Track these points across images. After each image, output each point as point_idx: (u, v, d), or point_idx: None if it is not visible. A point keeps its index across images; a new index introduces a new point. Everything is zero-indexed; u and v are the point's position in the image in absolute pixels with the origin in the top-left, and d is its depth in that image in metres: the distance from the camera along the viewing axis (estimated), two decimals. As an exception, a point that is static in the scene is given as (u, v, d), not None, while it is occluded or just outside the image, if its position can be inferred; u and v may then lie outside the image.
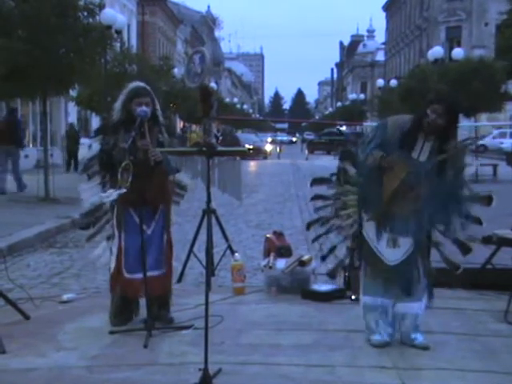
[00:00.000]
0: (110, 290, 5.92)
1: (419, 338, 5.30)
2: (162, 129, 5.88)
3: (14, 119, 18.56)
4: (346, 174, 6.20)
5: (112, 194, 5.46)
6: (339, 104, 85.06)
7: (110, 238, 5.94)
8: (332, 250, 6.73)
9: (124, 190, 5.37)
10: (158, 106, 5.85)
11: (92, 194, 5.96)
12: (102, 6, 16.25)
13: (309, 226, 6.91)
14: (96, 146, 5.86)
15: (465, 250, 5.60)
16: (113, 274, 5.81)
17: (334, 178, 6.44)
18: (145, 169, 5.48)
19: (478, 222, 5.48)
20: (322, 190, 6.61)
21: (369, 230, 5.27)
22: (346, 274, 6.97)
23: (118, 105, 5.78)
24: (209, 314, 4.67)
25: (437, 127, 5.02)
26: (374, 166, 5.15)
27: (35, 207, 14.08)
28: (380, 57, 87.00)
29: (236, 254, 7.38)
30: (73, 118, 32.60)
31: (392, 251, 5.19)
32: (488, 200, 5.57)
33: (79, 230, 6.56)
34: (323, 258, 6.91)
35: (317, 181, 6.75)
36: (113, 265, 5.79)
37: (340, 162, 6.44)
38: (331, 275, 6.84)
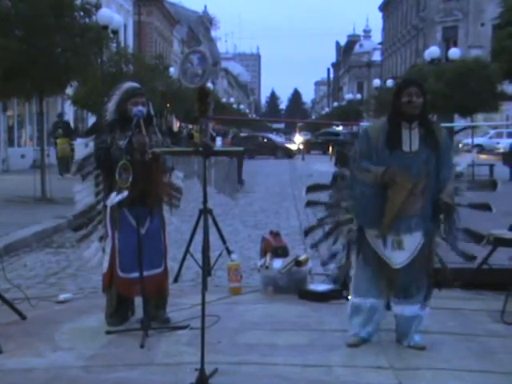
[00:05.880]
0: (103, 289, 5.93)
1: (416, 338, 5.30)
2: (156, 129, 5.89)
3: None
4: (343, 180, 6.15)
5: (115, 199, 5.48)
6: (336, 104, 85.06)
7: (102, 238, 5.94)
8: (324, 238, 6.65)
9: (126, 194, 5.39)
10: (151, 107, 5.85)
11: (86, 194, 5.96)
12: (98, 6, 16.24)
13: (307, 232, 6.85)
14: (90, 146, 5.85)
15: (468, 257, 5.62)
16: (106, 274, 5.81)
17: (331, 185, 6.39)
18: (142, 168, 5.48)
19: (487, 207, 5.52)
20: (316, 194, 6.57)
21: (372, 233, 5.25)
22: (342, 274, 6.97)
23: (111, 105, 5.77)
24: (205, 313, 4.66)
25: (419, 107, 5.09)
26: (376, 183, 5.13)
27: (32, 207, 14.06)
28: (376, 57, 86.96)
29: (233, 254, 7.39)
30: (69, 117, 32.55)
31: (397, 254, 5.16)
32: (493, 185, 5.59)
33: (72, 231, 6.54)
34: (314, 246, 6.87)
35: (312, 188, 6.71)
36: (106, 264, 5.79)
37: (336, 168, 6.41)
38: (335, 280, 6.72)
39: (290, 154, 44.12)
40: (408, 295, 5.24)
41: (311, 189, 6.66)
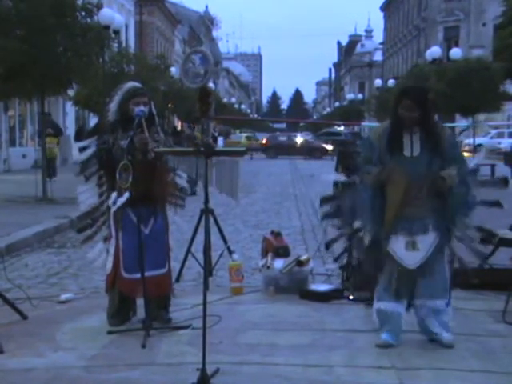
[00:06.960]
0: (106, 289, 5.93)
1: (443, 334, 5.28)
2: (158, 128, 5.88)
3: None
4: (346, 187, 6.14)
5: (119, 201, 5.49)
6: (337, 104, 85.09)
7: (106, 238, 5.93)
8: (343, 253, 6.72)
9: (127, 195, 5.40)
10: (153, 106, 5.85)
11: (89, 195, 5.95)
12: (99, 6, 16.24)
13: (328, 245, 6.85)
14: (92, 147, 5.85)
15: (480, 255, 5.61)
16: (109, 274, 5.81)
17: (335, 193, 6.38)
18: (144, 168, 5.48)
19: (498, 204, 5.51)
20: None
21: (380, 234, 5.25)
22: (344, 274, 6.98)
23: (113, 105, 5.76)
24: (207, 313, 4.66)
25: (413, 120, 5.09)
26: (375, 182, 5.16)
27: (33, 207, 14.06)
28: (378, 57, 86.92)
29: (234, 254, 7.38)
30: (71, 118, 32.56)
31: (411, 254, 5.16)
32: (505, 182, 5.59)
33: (76, 232, 6.54)
34: (336, 260, 6.92)
35: (325, 200, 6.68)
36: (109, 265, 5.78)
37: (337, 175, 6.40)
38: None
39: (325, 154, 44.44)
40: (430, 293, 5.22)
41: (324, 200, 6.63)
